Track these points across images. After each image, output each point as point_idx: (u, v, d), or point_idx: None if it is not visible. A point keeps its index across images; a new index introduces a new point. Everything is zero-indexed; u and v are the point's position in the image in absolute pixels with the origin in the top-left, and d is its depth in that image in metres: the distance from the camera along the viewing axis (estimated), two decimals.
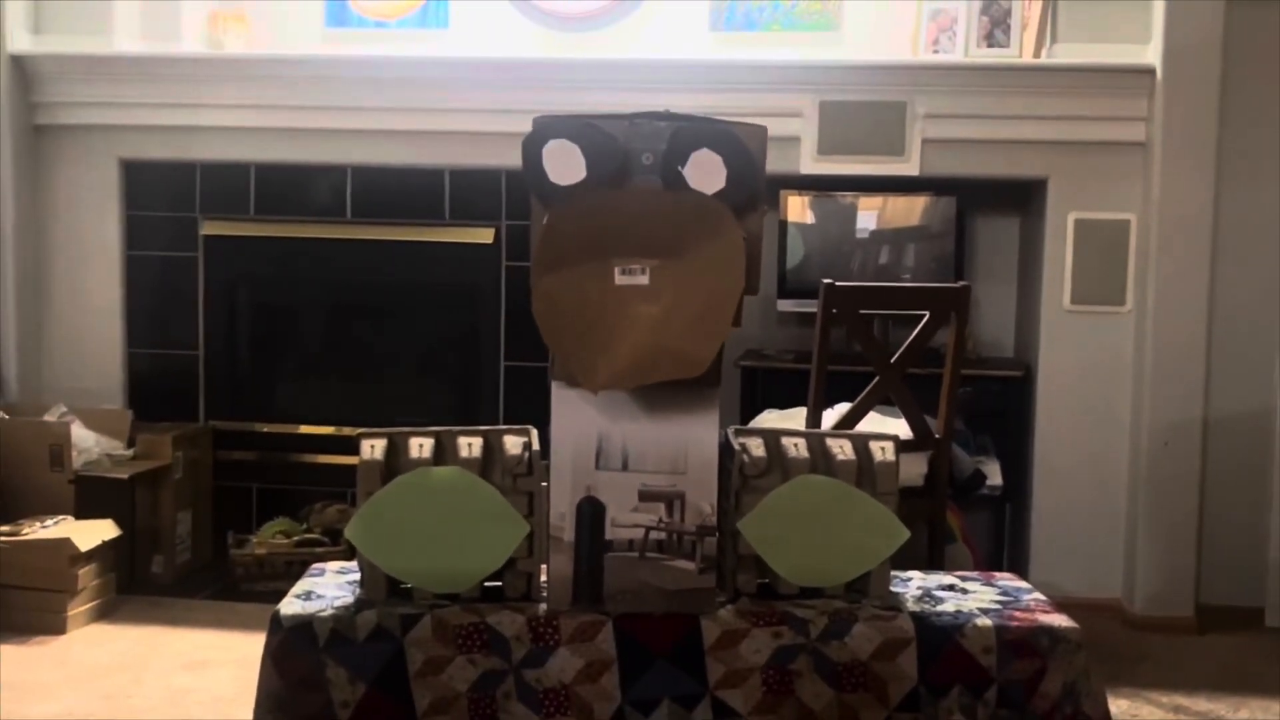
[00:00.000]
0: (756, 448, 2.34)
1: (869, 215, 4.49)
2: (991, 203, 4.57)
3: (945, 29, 4.28)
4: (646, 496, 2.25)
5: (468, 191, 4.46)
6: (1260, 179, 4.09)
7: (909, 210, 4.47)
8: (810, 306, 3.68)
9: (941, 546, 3.59)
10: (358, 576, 2.34)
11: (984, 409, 4.37)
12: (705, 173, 2.10)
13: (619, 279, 2.12)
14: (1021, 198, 4.54)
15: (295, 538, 4.27)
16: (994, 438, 4.39)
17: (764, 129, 2.13)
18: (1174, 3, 3.96)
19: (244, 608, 4.01)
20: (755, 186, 2.13)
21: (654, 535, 2.25)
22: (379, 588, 2.29)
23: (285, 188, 4.53)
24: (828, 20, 4.50)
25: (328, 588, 2.37)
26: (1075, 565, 4.21)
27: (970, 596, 2.42)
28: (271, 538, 4.27)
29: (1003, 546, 4.49)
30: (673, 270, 2.11)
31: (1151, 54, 4.04)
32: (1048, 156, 4.18)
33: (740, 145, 2.11)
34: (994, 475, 4.18)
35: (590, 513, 2.25)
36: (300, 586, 2.39)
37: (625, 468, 2.24)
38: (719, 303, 2.11)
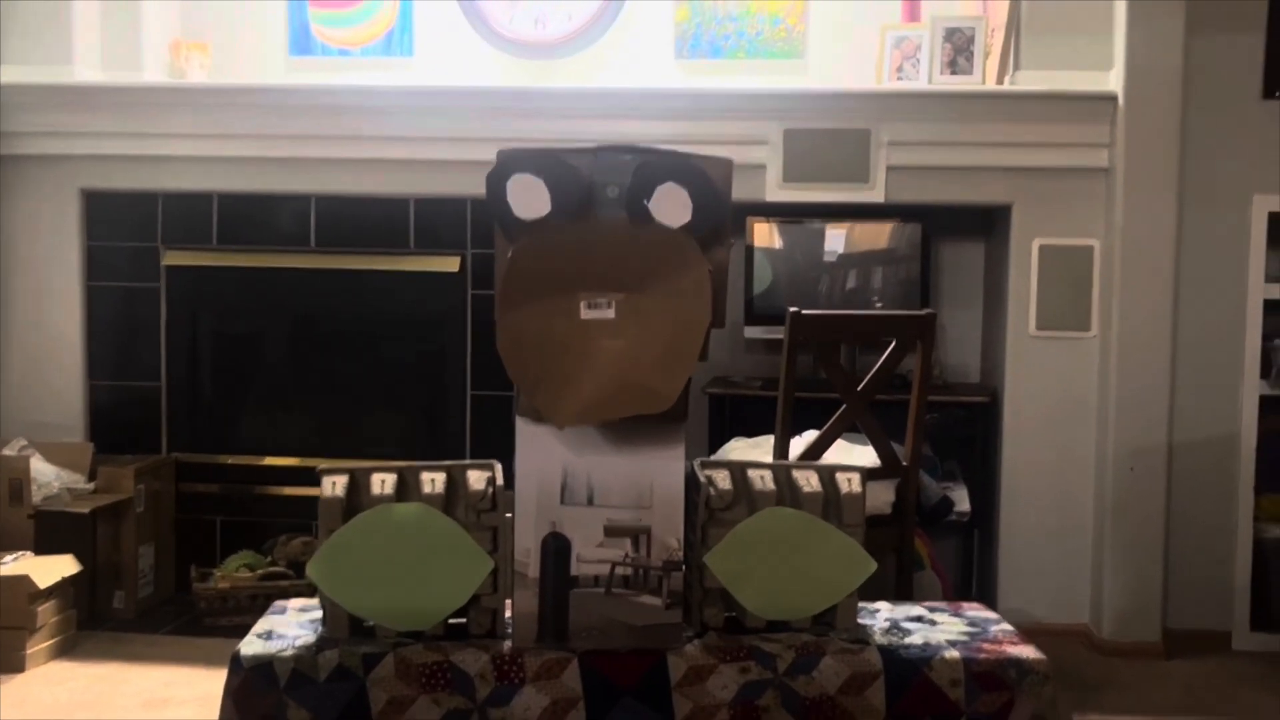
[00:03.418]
0: (723, 480, 2.33)
1: (836, 239, 4.50)
2: (956, 228, 4.59)
3: (909, 56, 4.30)
4: (612, 531, 2.23)
5: (433, 220, 4.43)
6: (1221, 204, 4.12)
7: (876, 235, 4.48)
8: (778, 334, 3.67)
9: (910, 574, 3.59)
10: (320, 614, 2.32)
11: (950, 434, 4.37)
12: (671, 206, 2.09)
13: (585, 313, 2.11)
14: (986, 223, 4.56)
15: (259, 571, 4.22)
16: (961, 463, 4.39)
17: (729, 161, 2.13)
18: (1135, 30, 3.98)
19: (207, 643, 3.95)
20: (721, 219, 2.12)
21: (620, 571, 2.23)
22: (341, 626, 2.26)
23: (248, 217, 4.49)
24: (792, 48, 4.51)
25: (289, 626, 2.33)
26: (1043, 591, 4.21)
27: (938, 628, 2.41)
28: (235, 571, 4.22)
29: (971, 572, 4.48)
30: (639, 304, 2.09)
31: (1113, 81, 4.07)
32: (1012, 182, 4.20)
33: (705, 178, 2.10)
34: (961, 501, 4.18)
35: (555, 548, 2.23)
36: (261, 625, 2.35)
37: (590, 503, 2.22)
38: (686, 337, 2.10)
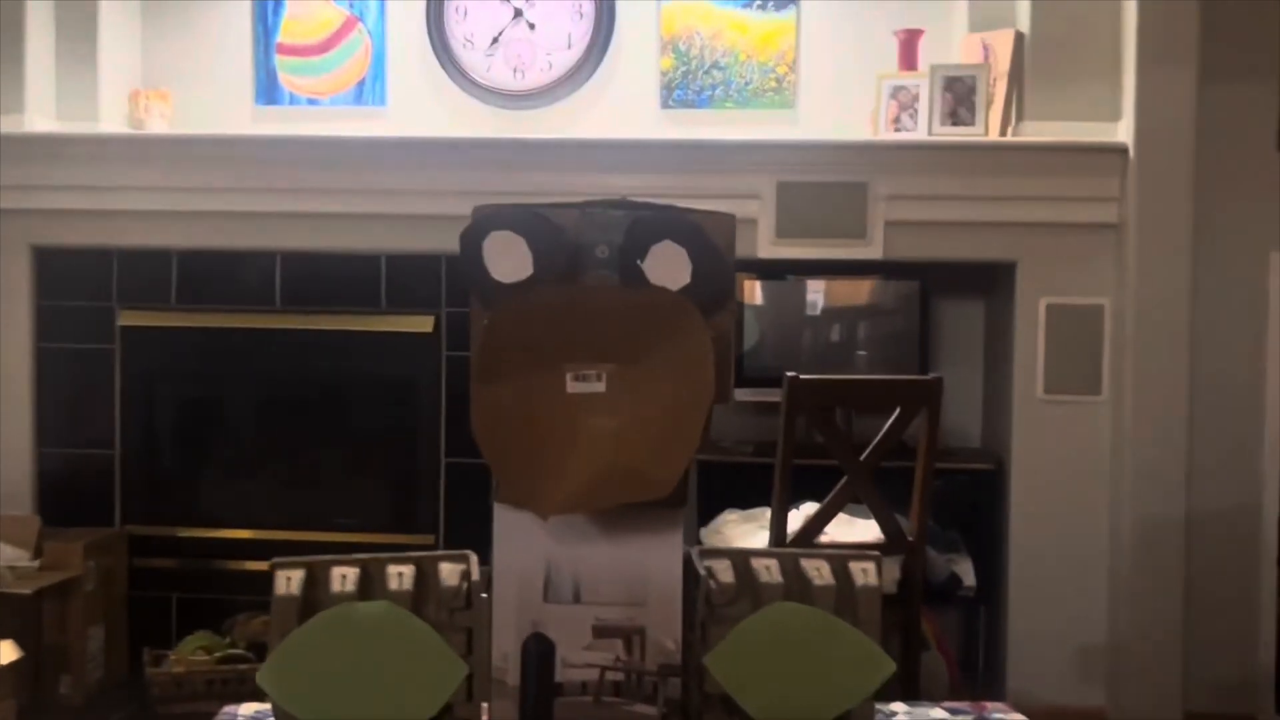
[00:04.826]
0: (724, 571, 2.09)
1: (822, 294, 4.31)
2: (953, 284, 4.39)
3: (906, 107, 4.11)
4: (601, 632, 1.99)
5: (406, 278, 4.22)
6: (1237, 260, 3.95)
7: (864, 289, 4.30)
8: (768, 396, 3.47)
9: (917, 657, 3.37)
10: None
11: (952, 503, 4.15)
12: (667, 267, 1.86)
13: (571, 386, 1.87)
14: (986, 280, 4.36)
15: (217, 654, 3.95)
16: (963, 533, 4.16)
17: (732, 218, 1.90)
18: (1145, 80, 3.82)
19: None
20: (724, 282, 1.89)
21: (610, 676, 2.00)
22: None
23: (210, 275, 4.27)
24: (784, 98, 4.34)
25: None
26: (1056, 672, 3.97)
27: None
28: (191, 654, 3.95)
29: (977, 652, 4.25)
30: (632, 376, 1.86)
31: (1123, 132, 3.89)
32: (1017, 239, 4.01)
33: (706, 236, 1.87)
34: (967, 575, 3.94)
35: (537, 652, 1.98)
36: None
37: (577, 600, 1.98)
38: (685, 413, 1.86)
